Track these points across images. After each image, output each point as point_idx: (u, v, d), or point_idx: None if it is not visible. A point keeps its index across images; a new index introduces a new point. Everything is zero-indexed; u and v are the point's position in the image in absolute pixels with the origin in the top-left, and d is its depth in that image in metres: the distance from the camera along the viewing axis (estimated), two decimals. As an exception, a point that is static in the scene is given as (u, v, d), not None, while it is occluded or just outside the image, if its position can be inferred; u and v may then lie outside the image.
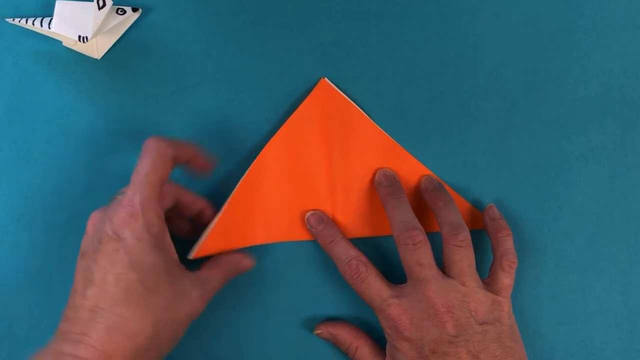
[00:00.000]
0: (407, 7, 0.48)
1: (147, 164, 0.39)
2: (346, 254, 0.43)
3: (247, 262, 0.44)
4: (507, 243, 0.44)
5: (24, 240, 0.46)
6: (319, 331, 0.45)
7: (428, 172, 0.47)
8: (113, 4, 0.45)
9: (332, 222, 0.46)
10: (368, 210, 0.47)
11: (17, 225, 0.46)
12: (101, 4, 0.44)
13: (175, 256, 0.40)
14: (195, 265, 0.42)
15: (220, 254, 0.43)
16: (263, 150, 0.46)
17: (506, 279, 0.43)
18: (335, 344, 0.45)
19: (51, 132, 0.47)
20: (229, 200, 0.45)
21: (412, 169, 0.47)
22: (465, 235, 0.42)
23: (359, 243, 0.45)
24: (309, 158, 0.46)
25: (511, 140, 0.48)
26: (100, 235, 0.38)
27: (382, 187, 0.45)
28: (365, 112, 0.47)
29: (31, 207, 0.46)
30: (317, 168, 0.46)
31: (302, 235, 0.46)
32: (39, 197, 0.46)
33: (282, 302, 0.46)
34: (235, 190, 0.45)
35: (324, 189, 0.46)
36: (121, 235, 0.37)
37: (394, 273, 0.45)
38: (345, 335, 0.44)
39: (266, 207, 0.46)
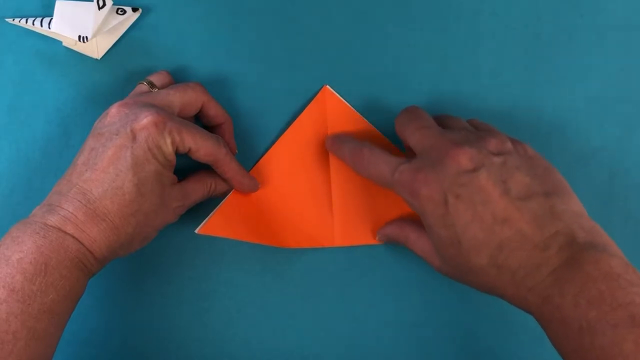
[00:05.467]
0: (407, 7, 0.48)
1: (191, 96, 0.43)
2: (348, 147, 0.43)
3: (245, 182, 0.44)
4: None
5: (24, 240, 0.46)
6: (378, 237, 0.45)
7: None
8: (113, 4, 0.45)
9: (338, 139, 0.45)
10: (368, 217, 0.46)
11: (18, 225, 0.46)
12: (101, 4, 0.44)
13: (174, 176, 0.41)
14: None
15: (207, 172, 0.44)
16: (265, 155, 0.47)
17: (483, 125, 0.42)
18: (395, 242, 0.45)
19: (51, 131, 0.47)
20: (227, 197, 0.45)
21: None
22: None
23: (357, 250, 0.45)
24: (310, 165, 0.46)
25: (511, 140, 0.48)
26: (119, 127, 0.39)
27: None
28: (365, 113, 0.47)
29: (32, 206, 0.46)
30: (318, 175, 0.46)
31: (298, 242, 0.46)
32: (40, 197, 0.46)
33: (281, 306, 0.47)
34: (232, 192, 0.45)
35: (323, 196, 0.46)
36: (137, 136, 0.38)
37: (398, 279, 0.45)
38: (394, 232, 0.44)
39: (264, 211, 0.46)
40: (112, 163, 0.38)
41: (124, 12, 0.46)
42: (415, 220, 0.43)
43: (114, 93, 0.47)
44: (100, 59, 0.47)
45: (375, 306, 0.46)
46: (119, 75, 0.47)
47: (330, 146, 0.45)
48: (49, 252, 0.36)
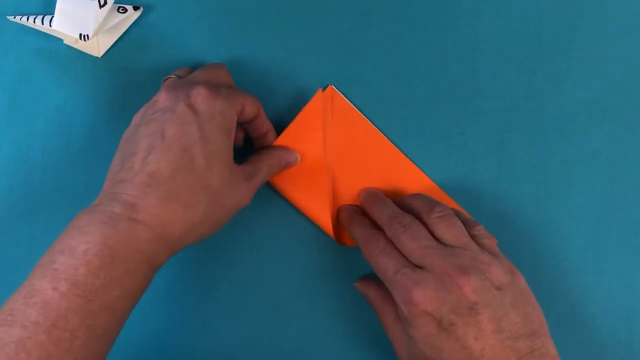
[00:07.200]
0: (408, 8, 0.48)
1: (220, 74, 0.43)
2: (368, 231, 0.42)
3: (290, 158, 0.45)
4: (462, 216, 0.43)
5: (24, 238, 0.46)
6: (357, 283, 0.45)
7: (430, 181, 0.47)
8: (114, 3, 0.45)
9: (359, 211, 0.46)
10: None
11: (18, 223, 0.46)
12: (102, 2, 0.44)
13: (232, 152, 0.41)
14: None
15: (263, 150, 0.44)
16: None
17: (486, 240, 0.41)
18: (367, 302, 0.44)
19: (51, 129, 0.47)
20: None
21: (413, 177, 0.47)
22: (442, 206, 0.41)
23: (357, 250, 0.45)
24: (309, 164, 0.46)
25: (511, 140, 0.48)
26: (174, 106, 0.38)
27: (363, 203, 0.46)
28: (366, 113, 0.47)
29: (31, 204, 0.46)
30: (317, 175, 0.46)
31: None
32: (39, 195, 0.46)
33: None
34: None
35: (324, 194, 0.46)
36: (197, 109, 0.38)
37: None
38: (375, 297, 0.43)
39: None
40: (177, 140, 0.37)
41: (125, 10, 0.46)
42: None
43: (115, 91, 0.47)
44: (101, 57, 0.47)
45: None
46: (120, 73, 0.47)
47: (348, 223, 0.45)
48: (116, 244, 0.34)
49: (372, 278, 0.45)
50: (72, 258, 0.33)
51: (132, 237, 0.35)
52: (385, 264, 0.40)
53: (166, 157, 0.37)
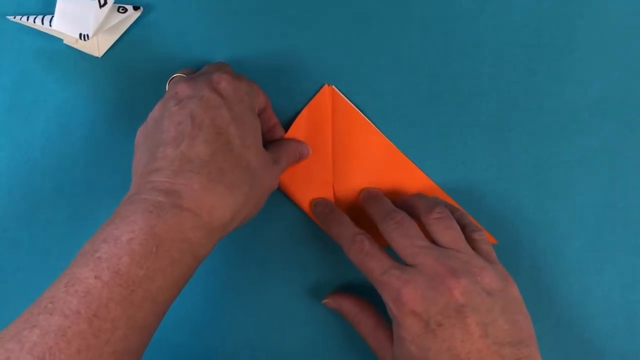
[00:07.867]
0: (408, 8, 0.48)
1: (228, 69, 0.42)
2: (351, 232, 0.42)
3: (303, 150, 0.45)
4: (465, 219, 0.43)
5: (24, 238, 0.46)
6: (326, 300, 0.45)
7: (430, 181, 0.47)
8: (114, 2, 0.45)
9: (336, 207, 0.45)
10: (369, 218, 0.46)
11: (17, 223, 0.46)
12: (102, 2, 0.44)
13: None
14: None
15: (278, 142, 0.45)
16: None
17: (484, 245, 0.41)
18: (341, 315, 0.44)
19: (51, 129, 0.47)
20: None
21: (413, 177, 0.47)
22: (442, 208, 0.41)
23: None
24: (311, 164, 0.46)
25: (511, 140, 0.48)
26: (198, 93, 0.38)
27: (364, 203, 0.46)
28: (366, 112, 0.47)
29: (31, 205, 0.46)
30: (319, 174, 0.46)
31: None
32: (39, 195, 0.46)
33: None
34: None
35: (328, 193, 0.46)
36: (223, 92, 0.38)
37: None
38: (350, 307, 0.43)
39: None
40: (210, 123, 0.37)
41: (125, 10, 0.46)
42: (374, 308, 0.43)
43: (114, 91, 0.47)
44: (101, 57, 0.47)
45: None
46: (120, 73, 0.47)
47: (323, 218, 0.44)
48: (162, 233, 0.33)
49: (341, 292, 0.45)
50: (115, 247, 0.32)
51: (178, 225, 0.34)
52: (372, 266, 0.40)
53: (202, 141, 0.36)
